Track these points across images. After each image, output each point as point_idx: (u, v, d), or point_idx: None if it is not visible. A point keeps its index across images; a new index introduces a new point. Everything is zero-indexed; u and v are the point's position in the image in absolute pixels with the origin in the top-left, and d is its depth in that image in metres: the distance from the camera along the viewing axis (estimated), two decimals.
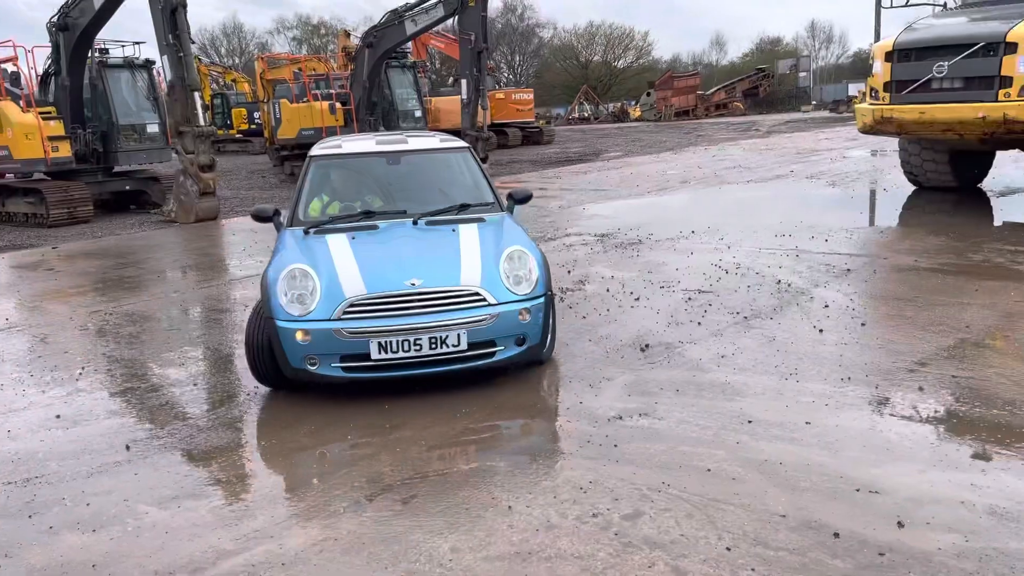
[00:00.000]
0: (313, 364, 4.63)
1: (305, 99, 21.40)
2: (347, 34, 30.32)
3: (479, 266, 4.85)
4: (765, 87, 54.97)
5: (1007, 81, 8.95)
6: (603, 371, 5.12)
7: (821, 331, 5.66)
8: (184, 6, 12.75)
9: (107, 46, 16.72)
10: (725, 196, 13.23)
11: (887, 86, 10.06)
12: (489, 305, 4.72)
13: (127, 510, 3.67)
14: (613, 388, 4.84)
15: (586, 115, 55.46)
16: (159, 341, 6.49)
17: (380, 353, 4.56)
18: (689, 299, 6.67)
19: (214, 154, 14.63)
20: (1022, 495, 3.35)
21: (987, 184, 12.17)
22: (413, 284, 4.65)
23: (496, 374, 5.05)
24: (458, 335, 4.62)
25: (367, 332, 4.55)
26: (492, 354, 4.78)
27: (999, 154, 12.18)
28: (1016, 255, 7.58)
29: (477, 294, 4.72)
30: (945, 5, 11.28)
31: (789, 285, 6.92)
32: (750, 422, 4.22)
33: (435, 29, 22.98)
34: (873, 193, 12.53)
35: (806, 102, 53.96)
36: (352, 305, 4.59)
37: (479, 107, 18.84)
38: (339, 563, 3.15)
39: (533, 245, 5.21)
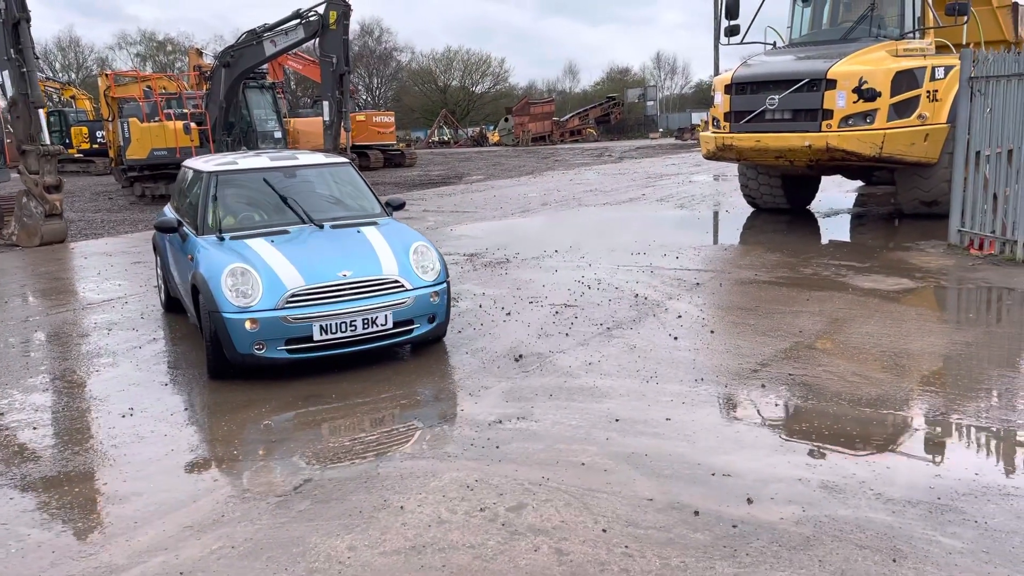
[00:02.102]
0: (260, 349, 5.29)
1: (157, 118, 20.62)
2: (199, 52, 29.44)
3: (394, 259, 5.76)
4: (616, 115, 57.47)
5: (829, 114, 10.02)
6: (481, 380, 5.41)
7: (676, 338, 6.18)
8: (28, 20, 12.14)
9: None
10: (583, 217, 13.90)
11: (727, 116, 10.99)
12: (407, 290, 5.66)
13: (8, 533, 3.59)
14: (491, 395, 5.13)
15: (446, 139, 56.05)
16: (18, 367, 6.21)
17: (322, 335, 5.33)
18: (556, 313, 7.07)
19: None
20: (848, 471, 3.88)
21: (815, 206, 13.43)
22: (345, 275, 5.48)
23: (382, 382, 5.23)
24: (385, 316, 5.53)
25: (311, 317, 5.31)
26: (411, 331, 5.73)
27: (824, 179, 13.48)
28: (840, 268, 8.50)
29: (397, 281, 5.64)
30: (775, 44, 12.42)
31: (646, 298, 7.46)
32: (617, 420, 4.62)
33: (293, 50, 22.76)
34: (716, 214, 13.53)
35: (654, 129, 56.85)
36: (293, 295, 5.33)
37: (342, 129, 18.82)
38: (239, 568, 3.25)
39: (430, 241, 6.15)
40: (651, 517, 3.52)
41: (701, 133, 12.19)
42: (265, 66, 22.80)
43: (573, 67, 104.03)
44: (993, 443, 4.23)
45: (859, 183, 15.45)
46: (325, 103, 18.72)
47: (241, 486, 4.01)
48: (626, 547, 3.28)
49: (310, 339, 5.34)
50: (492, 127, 56.44)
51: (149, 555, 3.37)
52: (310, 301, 5.36)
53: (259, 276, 5.38)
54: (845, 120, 9.95)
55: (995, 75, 8.54)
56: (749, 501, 3.61)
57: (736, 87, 10.87)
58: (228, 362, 5.42)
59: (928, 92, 10.14)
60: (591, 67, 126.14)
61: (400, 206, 6.94)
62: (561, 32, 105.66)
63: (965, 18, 10.61)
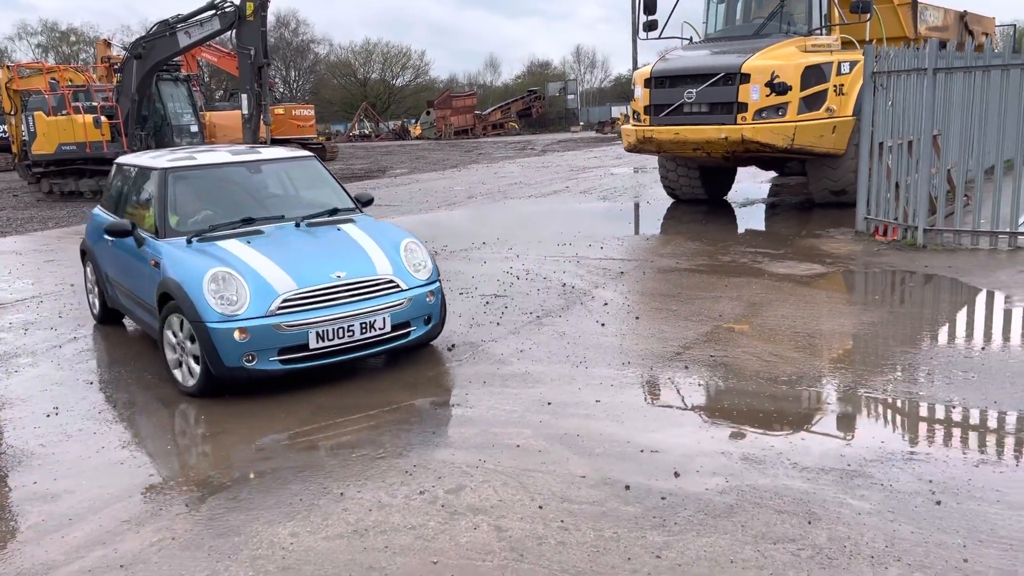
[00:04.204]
0: (251, 360, 4.83)
1: (65, 112, 19.84)
2: (107, 43, 28.37)
3: (385, 258, 5.41)
4: (538, 108, 57.82)
5: (743, 107, 10.40)
6: (416, 370, 5.49)
7: (603, 325, 6.38)
8: None
9: None
10: (509, 210, 14.06)
11: (647, 109, 11.28)
12: (403, 290, 5.32)
13: None
14: (427, 384, 5.22)
15: (367, 132, 55.44)
16: None
17: (318, 342, 4.93)
18: (487, 303, 7.19)
19: None
20: (766, 444, 4.12)
21: (732, 196, 13.90)
22: (339, 276, 5.09)
23: (317, 371, 5.26)
24: (383, 319, 5.17)
25: (306, 324, 4.90)
26: (408, 334, 5.38)
27: (740, 170, 13.97)
28: (756, 256, 8.86)
29: (392, 281, 5.29)
30: (691, 39, 12.79)
31: (573, 287, 7.65)
32: (550, 404, 4.77)
33: (208, 42, 22.19)
34: (638, 205, 13.87)
35: (575, 123, 57.44)
36: (285, 300, 4.91)
37: (262, 122, 18.48)
38: (181, 559, 3.26)
39: (417, 238, 5.85)
40: (585, 493, 3.67)
41: (622, 126, 12.47)
42: (179, 58, 22.19)
43: (494, 60, 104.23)
44: (897, 414, 4.54)
45: (773, 174, 16.04)
46: (243, 96, 18.32)
47: (178, 479, 4.00)
48: (562, 521, 3.42)
49: (305, 347, 4.92)
50: (414, 120, 56.08)
51: (86, 550, 3.35)
52: (304, 306, 4.93)
53: (245, 281, 4.91)
54: (759, 113, 10.35)
55: (896, 70, 9.03)
56: (676, 475, 3.81)
57: (655, 81, 11.17)
58: (215, 379, 4.91)
59: (835, 86, 10.64)
60: (512, 60, 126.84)
61: (369, 202, 6.58)
62: (481, 25, 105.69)
63: (868, 15, 11.15)
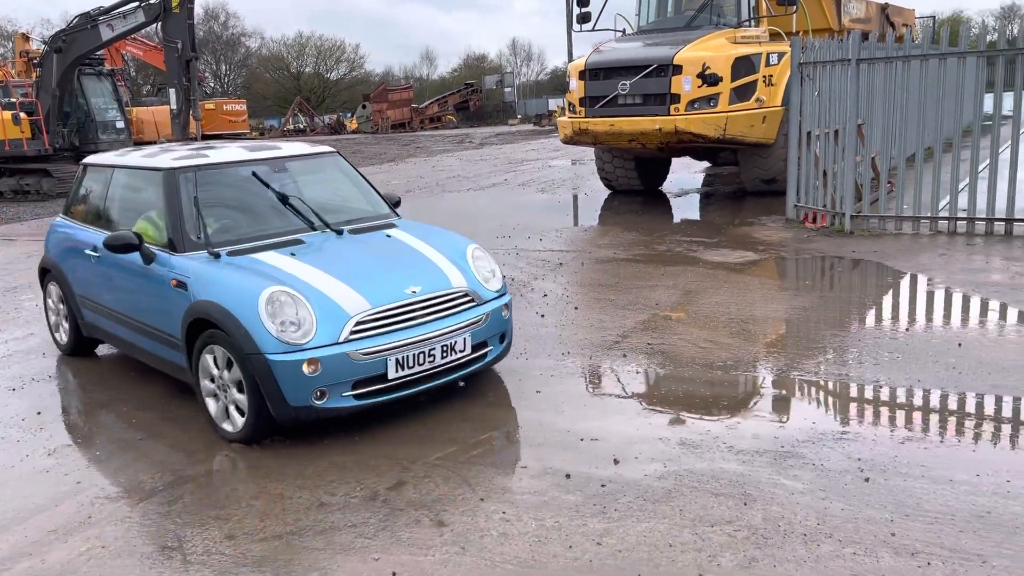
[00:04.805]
0: (321, 398, 4.04)
1: None
2: (25, 37, 27.30)
3: (455, 267, 4.71)
4: (475, 101, 57.71)
5: (676, 98, 10.55)
6: None
7: (543, 316, 6.41)
8: None
9: None
10: (448, 203, 14.00)
11: (582, 101, 11.36)
12: (479, 304, 4.64)
13: None
14: None
15: (301, 127, 54.56)
16: None
17: (397, 371, 4.19)
18: None
19: None
20: (703, 429, 4.20)
21: (667, 187, 14.10)
22: (413, 292, 4.36)
23: None
24: (464, 339, 4.47)
25: (384, 350, 4.14)
26: (485, 355, 4.70)
27: (675, 160, 14.17)
28: (691, 245, 9.01)
29: (467, 295, 4.60)
30: (624, 31, 12.91)
31: (513, 279, 7.66)
32: (490, 397, 4.76)
33: (133, 35, 21.52)
34: (576, 197, 13.96)
35: (512, 116, 57.49)
36: (359, 324, 4.12)
37: (191, 117, 18.02)
38: (111, 567, 3.16)
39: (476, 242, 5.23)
40: (526, 483, 3.68)
41: (558, 118, 12.53)
42: (102, 52, 21.48)
43: (430, 53, 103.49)
44: (828, 395, 4.67)
45: (706, 164, 16.31)
46: (172, 91, 17.84)
47: (107, 486, 3.88)
48: (504, 513, 3.43)
49: (384, 378, 4.17)
50: (350, 114, 55.43)
51: (11, 562, 3.23)
52: (380, 329, 4.18)
53: (308, 301, 4.10)
54: (691, 104, 10.51)
55: (821, 61, 9.26)
56: (615, 462, 3.84)
57: (589, 73, 11.24)
58: (272, 421, 4.14)
59: (764, 77, 10.86)
60: (448, 54, 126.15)
61: (398, 203, 5.86)
62: (416, 18, 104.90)
63: (795, 8, 11.42)
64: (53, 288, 6.06)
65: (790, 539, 3.12)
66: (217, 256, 4.52)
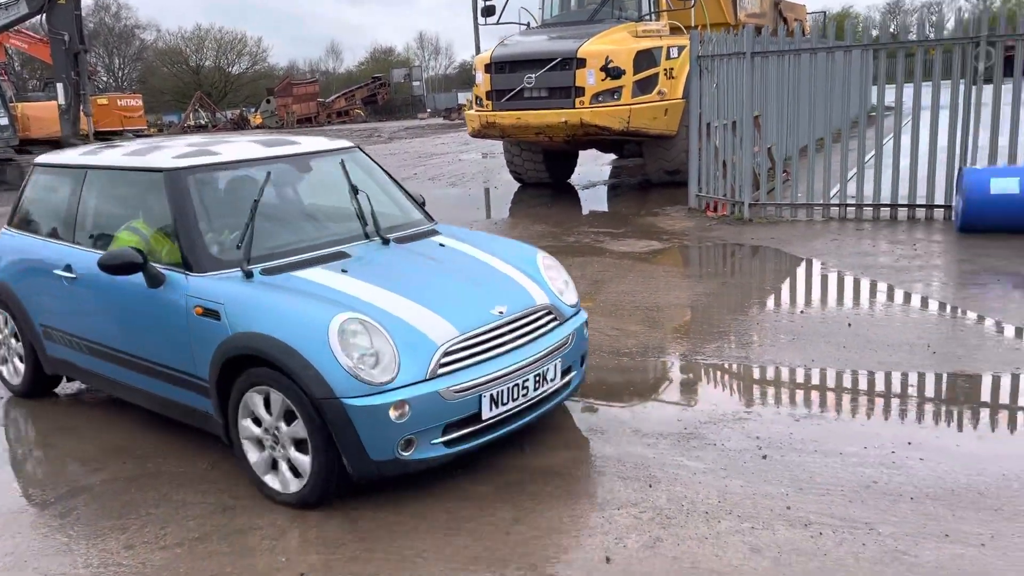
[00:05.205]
0: (408, 449, 3.32)
1: None
2: None
3: (530, 280, 4.03)
4: (383, 95, 57.06)
5: (581, 91, 10.69)
6: None
7: None
8: None
9: None
10: None
11: (489, 95, 11.38)
12: (562, 323, 3.97)
13: None
14: None
15: (203, 122, 52.83)
16: None
17: (492, 409, 3.50)
18: None
19: None
20: (611, 415, 4.29)
21: (575, 179, 14.28)
22: (500, 312, 3.66)
23: None
24: (555, 365, 3.81)
25: (478, 385, 3.43)
26: (569, 383, 4.02)
27: (583, 153, 14.36)
28: (599, 235, 9.16)
29: (550, 312, 3.92)
30: (529, 24, 12.99)
31: None
32: None
33: (16, 27, 20.40)
34: (487, 191, 13.99)
35: (422, 110, 57.12)
36: (447, 354, 3.41)
37: (81, 113, 17.24)
38: None
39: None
40: (427, 479, 3.68)
41: (466, 112, 12.53)
42: None
43: (336, 47, 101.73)
44: (729, 377, 4.84)
45: (612, 156, 16.60)
46: (60, 85, 17.05)
47: None
48: (414, 509, 3.42)
49: (477, 418, 3.47)
50: (253, 109, 54.01)
51: None
52: (470, 359, 3.47)
53: (385, 330, 3.35)
54: (596, 97, 10.67)
55: (718, 54, 9.55)
56: (522, 449, 3.89)
57: (495, 66, 11.27)
58: (345, 477, 3.41)
59: (665, 70, 11.12)
60: (354, 47, 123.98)
61: (423, 203, 4.98)
62: (320, 10, 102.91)
63: (692, 2, 11.74)
64: (7, 319, 4.96)
65: (692, 518, 3.22)
66: (249, 275, 3.67)
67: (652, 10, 11.88)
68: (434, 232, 4.48)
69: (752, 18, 14.10)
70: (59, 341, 4.53)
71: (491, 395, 3.48)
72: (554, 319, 3.92)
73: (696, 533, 3.11)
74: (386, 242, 4.19)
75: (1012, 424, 3.94)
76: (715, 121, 9.71)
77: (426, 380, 3.32)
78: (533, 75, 10.87)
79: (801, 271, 7.18)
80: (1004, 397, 4.25)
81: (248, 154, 4.28)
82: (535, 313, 3.83)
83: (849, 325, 5.47)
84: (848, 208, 9.05)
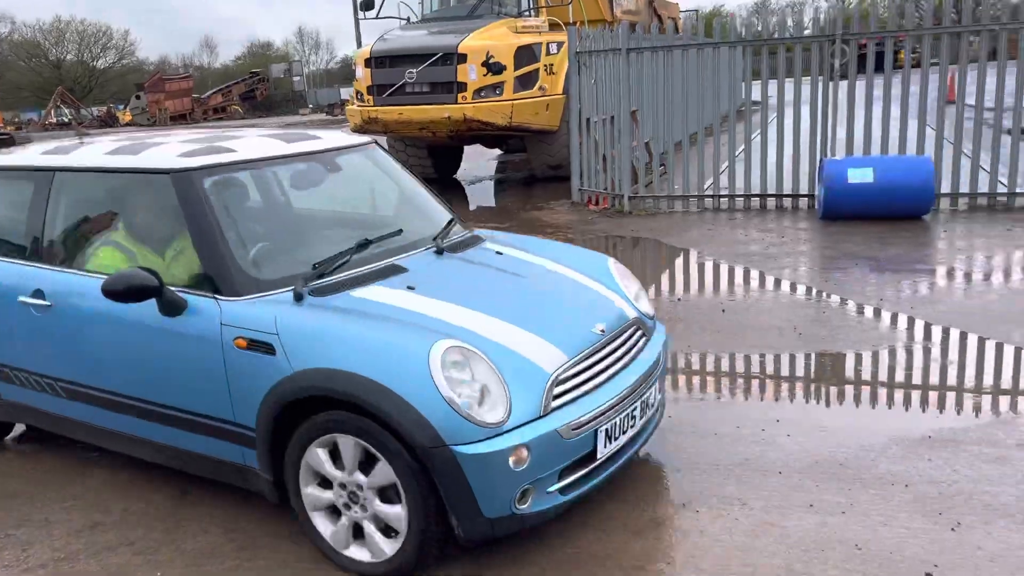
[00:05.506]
0: (524, 501, 2.74)
1: None
2: None
3: (611, 291, 3.56)
4: (262, 90, 55.41)
5: (463, 86, 10.70)
6: None
7: None
8: None
9: None
10: None
11: (370, 90, 11.24)
12: (652, 337, 3.48)
13: None
14: None
15: (66, 120, 49.89)
16: None
17: (606, 445, 2.97)
18: None
19: None
20: None
21: (461, 175, 14.30)
22: (601, 331, 3.14)
23: None
24: (654, 389, 3.31)
25: (594, 418, 2.88)
26: (659, 409, 3.51)
27: (470, 148, 14.39)
28: (490, 229, 9.18)
29: (638, 327, 3.41)
30: (409, 19, 12.90)
31: None
32: None
33: None
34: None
35: (303, 105, 55.84)
36: (558, 382, 2.85)
37: None
38: None
39: None
40: None
41: (348, 107, 12.33)
42: None
43: (210, 41, 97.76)
44: None
45: (497, 151, 16.71)
46: None
47: None
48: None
49: (592, 457, 2.92)
50: (122, 106, 51.43)
51: None
52: (579, 387, 2.93)
53: (489, 359, 2.75)
54: (478, 92, 10.70)
55: (596, 50, 9.75)
56: None
57: (375, 61, 11.14)
58: (452, 539, 2.79)
59: (545, 66, 11.28)
60: (230, 42, 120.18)
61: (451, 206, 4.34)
62: (192, 3, 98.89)
63: None
64: None
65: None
66: (300, 298, 2.99)
67: (531, 6, 12.02)
68: (479, 238, 3.90)
69: (628, 15, 14.47)
70: (18, 382, 3.72)
71: (606, 429, 2.94)
72: (643, 335, 3.41)
73: (577, 518, 3.17)
74: (440, 252, 3.59)
75: (872, 399, 4.20)
76: (594, 116, 9.91)
77: (541, 417, 2.74)
78: (414, 70, 10.81)
79: (679, 261, 7.43)
80: (864, 374, 4.54)
81: (269, 151, 3.57)
82: (628, 329, 3.32)
83: (723, 311, 5.71)
84: (721, 199, 9.44)
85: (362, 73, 11.35)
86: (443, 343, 2.68)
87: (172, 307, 3.03)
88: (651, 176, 10.20)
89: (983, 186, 8.45)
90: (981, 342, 4.85)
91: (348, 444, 2.75)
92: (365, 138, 4.16)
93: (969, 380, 4.34)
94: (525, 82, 10.99)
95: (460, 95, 10.70)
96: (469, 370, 2.66)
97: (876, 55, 8.69)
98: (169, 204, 3.22)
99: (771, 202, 9.28)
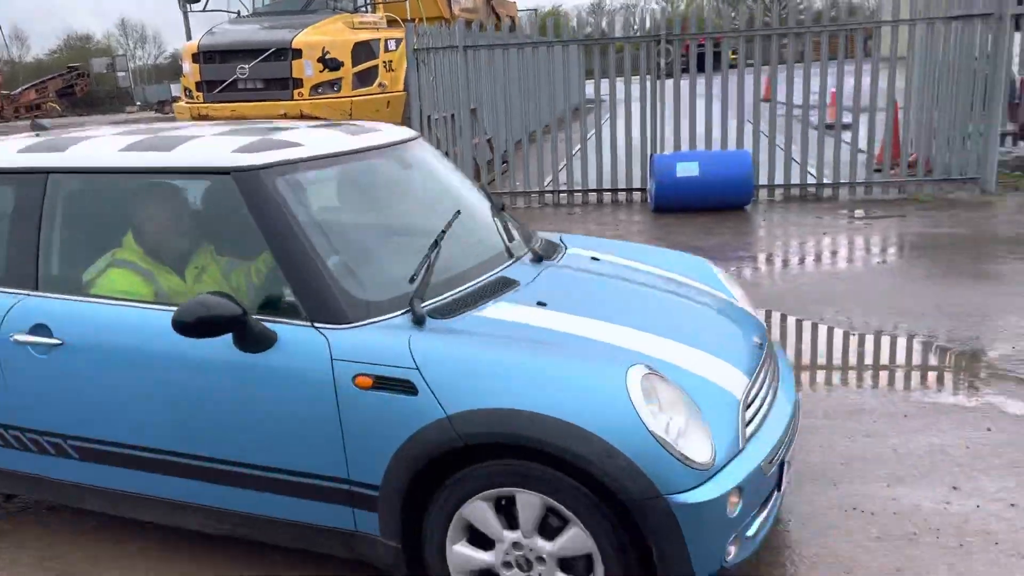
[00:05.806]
0: (733, 550, 2.28)
1: None
2: None
3: (727, 296, 3.24)
4: (82, 86, 51.67)
5: (299, 82, 10.41)
6: None
7: None
8: None
9: None
10: None
11: (199, 86, 10.72)
12: (771, 348, 3.02)
13: None
14: None
15: None
16: None
17: (786, 475, 2.60)
18: None
19: None
20: None
21: None
22: (759, 345, 2.79)
23: None
24: (794, 404, 2.82)
25: (780, 445, 2.47)
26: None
27: None
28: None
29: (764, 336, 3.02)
30: (239, 13, 12.41)
31: None
32: None
33: None
34: None
35: (130, 102, 52.57)
36: (746, 408, 2.45)
37: None
38: None
39: None
40: None
41: (176, 104, 11.72)
42: None
43: (20, 33, 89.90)
44: None
45: None
46: None
47: None
48: None
49: (775, 490, 2.52)
50: None
51: None
52: (758, 412, 2.53)
53: (681, 386, 2.32)
54: (315, 88, 10.45)
55: (434, 47, 9.76)
56: None
57: (204, 56, 10.64)
58: None
59: (384, 62, 11.16)
60: (43, 34, 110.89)
61: (503, 206, 3.45)
62: None
63: None
64: None
65: None
66: (419, 321, 2.43)
67: (367, 2, 11.87)
68: (556, 243, 3.44)
69: (466, 12, 14.57)
70: (9, 444, 2.89)
71: (785, 460, 2.54)
72: (768, 349, 2.92)
73: None
74: (537, 259, 3.10)
75: None
76: (435, 113, 9.92)
77: (742, 451, 2.32)
78: (246, 66, 10.41)
79: None
80: None
81: (336, 145, 2.91)
82: (764, 343, 2.88)
83: None
84: (561, 195, 9.70)
85: (190, 68, 10.81)
86: (637, 369, 2.22)
87: (259, 341, 2.40)
88: (494, 173, 10.33)
89: (795, 178, 9.14)
90: (799, 324, 5.25)
91: (531, 502, 2.23)
92: (411, 131, 3.49)
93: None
94: (364, 79, 10.83)
95: (296, 91, 10.40)
96: (674, 397, 2.23)
97: (700, 56, 9.20)
98: (227, 211, 2.65)
99: (607, 196, 9.63)
